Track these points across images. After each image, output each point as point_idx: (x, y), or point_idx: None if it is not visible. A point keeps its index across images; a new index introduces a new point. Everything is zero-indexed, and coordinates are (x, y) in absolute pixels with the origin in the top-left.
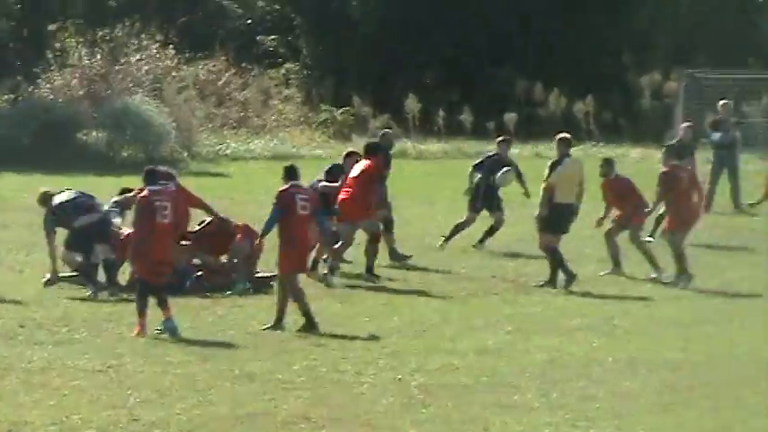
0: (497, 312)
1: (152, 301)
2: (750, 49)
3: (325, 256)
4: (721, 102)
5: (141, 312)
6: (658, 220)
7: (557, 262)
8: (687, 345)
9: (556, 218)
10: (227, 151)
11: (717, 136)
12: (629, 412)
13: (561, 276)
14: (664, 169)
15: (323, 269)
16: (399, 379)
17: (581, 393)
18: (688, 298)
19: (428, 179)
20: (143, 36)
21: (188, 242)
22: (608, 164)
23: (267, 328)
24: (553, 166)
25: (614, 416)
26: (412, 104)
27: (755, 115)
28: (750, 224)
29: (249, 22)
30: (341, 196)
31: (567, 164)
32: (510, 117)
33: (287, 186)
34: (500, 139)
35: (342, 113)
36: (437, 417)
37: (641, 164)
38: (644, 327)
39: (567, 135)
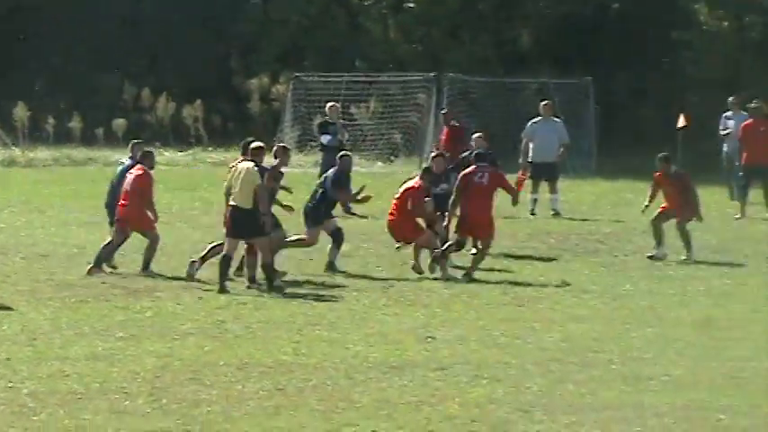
0: (109, 318)
1: None
2: (356, 52)
3: None
4: (329, 104)
5: None
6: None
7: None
8: (298, 347)
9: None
10: None
11: (326, 138)
12: (239, 415)
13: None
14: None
15: None
16: (10, 387)
17: (192, 398)
18: (298, 301)
19: (38, 187)
20: None
21: None
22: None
23: None
24: None
25: (225, 419)
26: (21, 112)
27: (364, 118)
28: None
29: None
30: None
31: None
32: (119, 123)
33: None
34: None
35: None
36: (48, 424)
37: None
38: (255, 330)
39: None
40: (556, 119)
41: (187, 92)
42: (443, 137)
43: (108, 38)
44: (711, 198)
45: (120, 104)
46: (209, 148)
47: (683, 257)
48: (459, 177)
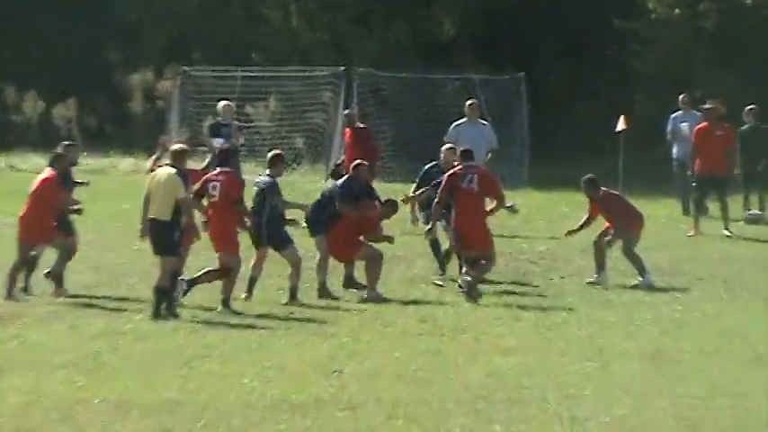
0: None
1: None
2: (254, 43)
3: None
4: (222, 103)
5: None
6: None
7: None
8: (185, 383)
9: None
10: None
11: (218, 142)
12: None
13: None
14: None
15: None
16: None
17: None
18: (186, 330)
19: None
20: None
21: None
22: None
23: None
24: None
25: None
26: None
27: (261, 119)
28: None
29: None
30: None
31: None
32: None
33: None
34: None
35: None
36: None
37: (132, 176)
38: (136, 363)
39: None
40: (483, 121)
41: (59, 89)
42: (347, 140)
43: None
44: (662, 212)
45: None
46: (84, 153)
47: (636, 282)
48: (446, 179)
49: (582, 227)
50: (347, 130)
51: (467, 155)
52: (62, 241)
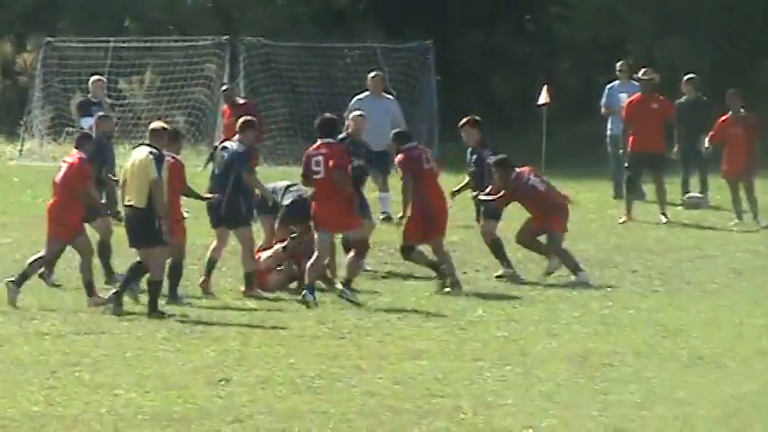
0: None
1: None
2: (126, 9)
3: None
4: (93, 78)
5: None
6: None
7: None
8: (52, 395)
9: None
10: None
11: (88, 122)
12: None
13: None
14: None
15: None
16: None
17: None
18: (53, 335)
19: None
20: None
21: None
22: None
23: None
24: None
25: None
26: None
27: (137, 95)
28: None
29: None
30: None
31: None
32: None
33: None
34: None
35: None
36: None
37: None
38: None
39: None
40: (387, 95)
41: None
42: (226, 119)
43: None
44: (590, 196)
45: None
46: None
47: (572, 279)
48: (403, 161)
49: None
50: (225, 107)
51: (405, 137)
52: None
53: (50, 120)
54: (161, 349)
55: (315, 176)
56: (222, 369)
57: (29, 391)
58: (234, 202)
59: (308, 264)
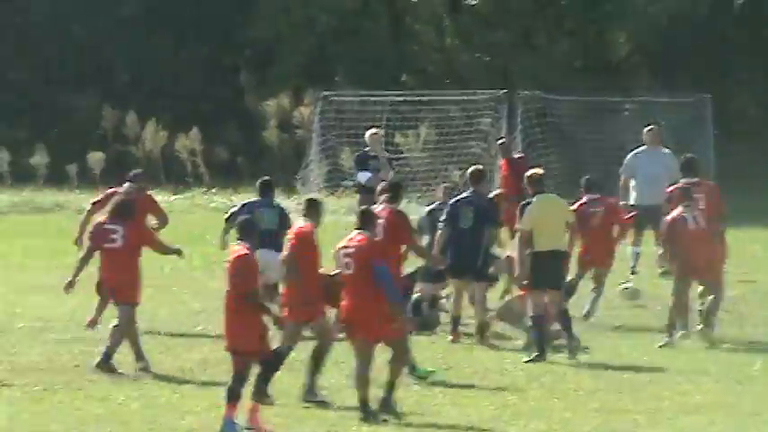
0: (83, 412)
1: None
2: (403, 63)
3: None
4: (369, 131)
5: None
6: None
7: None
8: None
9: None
10: None
11: (365, 176)
12: None
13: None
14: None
15: None
16: None
17: None
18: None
19: None
20: None
21: None
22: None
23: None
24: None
25: None
26: None
27: (413, 149)
28: None
29: None
30: None
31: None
32: (96, 157)
33: None
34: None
35: None
36: None
37: None
38: None
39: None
40: (664, 149)
41: (183, 117)
42: (503, 172)
43: (80, 49)
44: None
45: (97, 133)
46: (213, 190)
47: None
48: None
49: None
50: (502, 160)
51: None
52: None
53: (326, 173)
54: (438, 403)
55: None
56: (500, 422)
57: None
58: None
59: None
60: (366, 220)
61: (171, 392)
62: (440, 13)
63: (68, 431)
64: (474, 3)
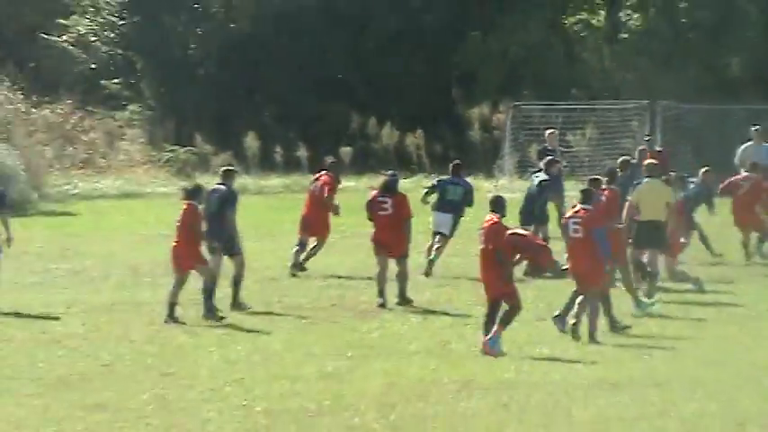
0: (338, 339)
1: None
2: (573, 81)
3: None
4: (548, 131)
5: None
6: None
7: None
8: (521, 366)
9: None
10: (76, 191)
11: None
12: (465, 431)
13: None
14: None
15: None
16: (244, 405)
17: (419, 414)
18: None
19: (268, 213)
20: None
21: None
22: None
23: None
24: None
25: None
26: (251, 142)
27: (580, 145)
28: None
29: (94, 66)
30: None
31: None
32: (345, 151)
33: None
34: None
35: (185, 152)
36: None
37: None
38: (478, 350)
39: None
40: (765, 144)
41: (409, 121)
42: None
43: (333, 68)
44: None
45: (346, 133)
46: (432, 175)
47: None
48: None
49: None
50: (648, 153)
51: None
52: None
53: (516, 163)
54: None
55: None
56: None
57: (503, 363)
58: None
59: None
60: (587, 197)
61: (400, 324)
62: (601, 44)
63: (326, 353)
64: (626, 36)
